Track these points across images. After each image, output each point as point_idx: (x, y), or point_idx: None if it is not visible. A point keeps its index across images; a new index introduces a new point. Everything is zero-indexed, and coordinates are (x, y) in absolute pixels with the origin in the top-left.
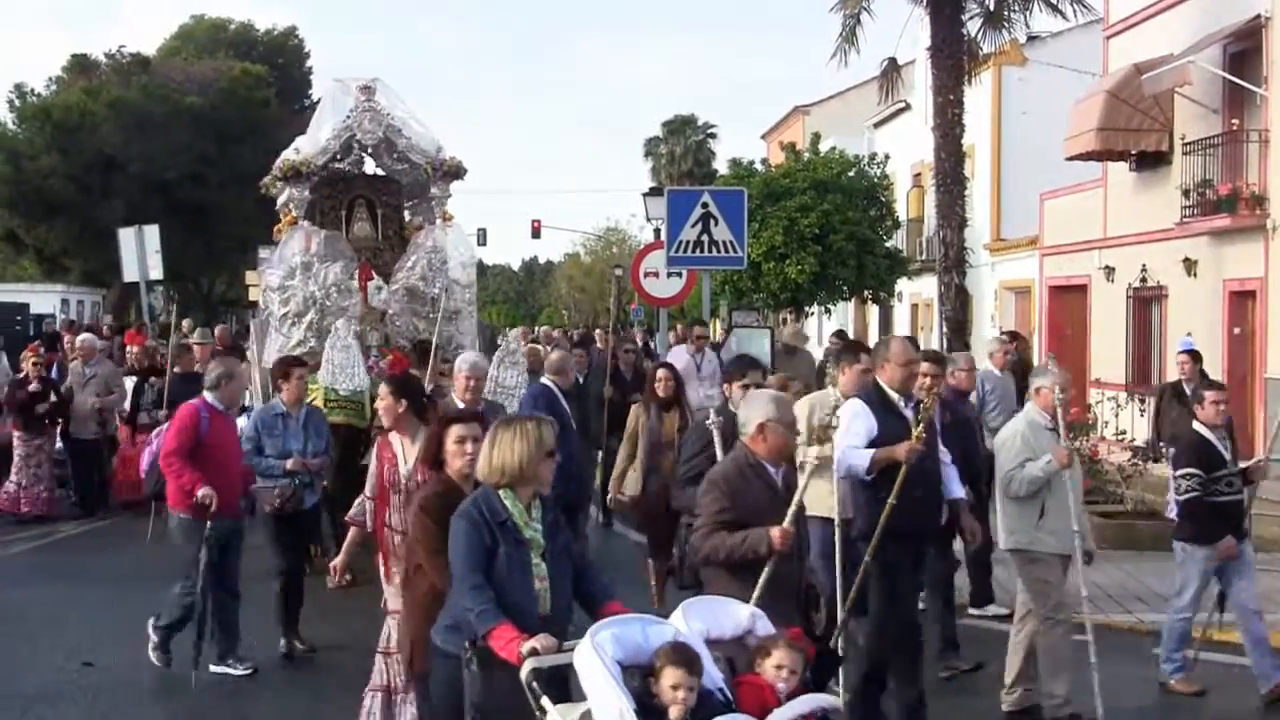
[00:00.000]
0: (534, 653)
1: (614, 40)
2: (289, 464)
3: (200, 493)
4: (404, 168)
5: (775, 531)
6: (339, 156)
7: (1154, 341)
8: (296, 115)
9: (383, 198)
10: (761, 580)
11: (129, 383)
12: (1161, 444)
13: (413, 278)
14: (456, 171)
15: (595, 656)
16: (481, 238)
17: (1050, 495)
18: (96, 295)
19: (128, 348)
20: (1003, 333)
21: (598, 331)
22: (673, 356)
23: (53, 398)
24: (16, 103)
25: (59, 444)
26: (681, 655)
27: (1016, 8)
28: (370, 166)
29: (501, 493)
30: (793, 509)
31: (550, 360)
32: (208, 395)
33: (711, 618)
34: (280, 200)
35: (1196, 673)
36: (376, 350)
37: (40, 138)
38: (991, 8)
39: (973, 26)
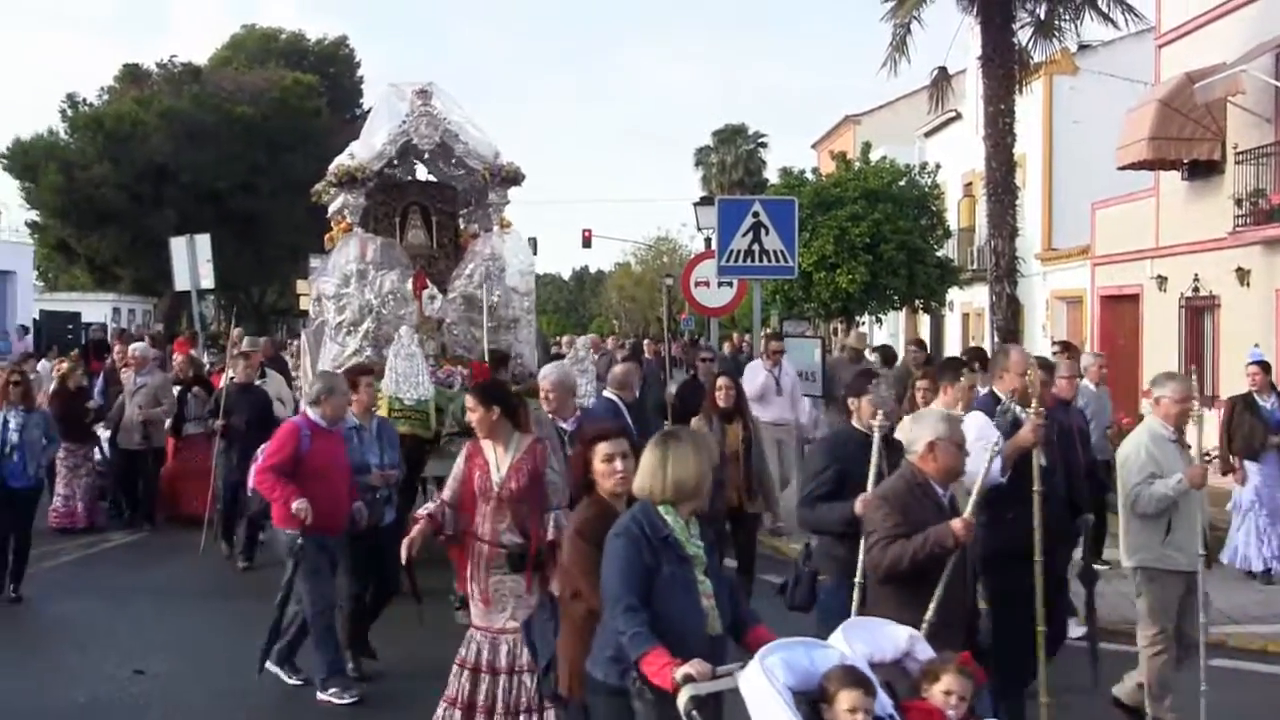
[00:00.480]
0: (689, 679)
1: (664, 49)
2: (372, 478)
3: (295, 505)
4: (461, 173)
5: (957, 524)
6: (394, 162)
7: (1206, 351)
8: (347, 124)
9: (437, 204)
10: (937, 596)
11: (176, 389)
12: (1233, 457)
13: (470, 286)
14: (514, 177)
15: (767, 682)
16: (533, 247)
17: (1176, 511)
18: (148, 304)
19: (174, 356)
20: (1055, 343)
21: (646, 341)
22: (749, 372)
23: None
24: (69, 112)
25: (98, 455)
26: (856, 677)
27: (1068, 17)
28: (422, 173)
29: (661, 508)
30: (970, 510)
31: (613, 373)
32: (309, 411)
33: (872, 640)
34: (333, 207)
35: None
36: (434, 360)
37: (92, 147)
38: (1042, 17)
39: (1024, 35)
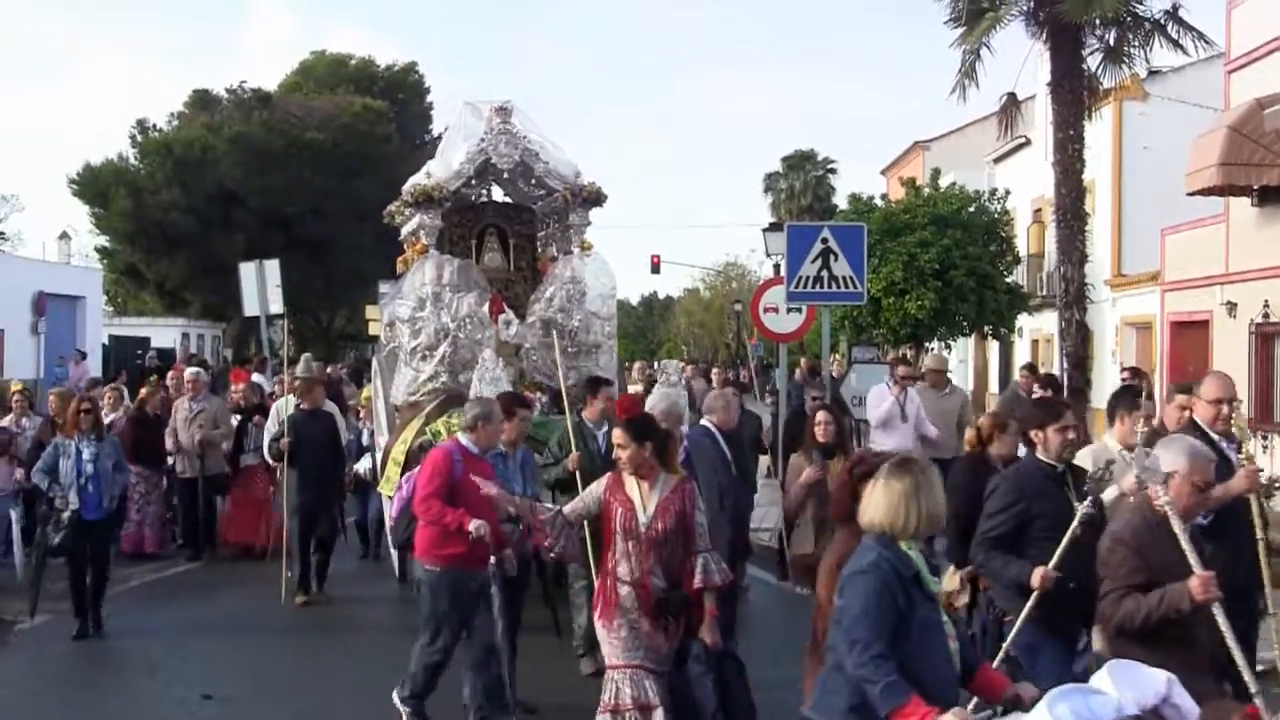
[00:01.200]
0: None
1: (733, 75)
2: (515, 507)
3: (473, 525)
4: (540, 194)
5: (1194, 582)
6: (472, 181)
7: (1276, 377)
8: (416, 150)
9: (515, 226)
10: (1194, 644)
11: (235, 418)
12: None
13: (550, 310)
14: (596, 198)
15: None
16: None
17: None
18: (216, 329)
19: (232, 386)
20: (1123, 369)
21: (715, 370)
22: (873, 397)
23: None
24: (139, 138)
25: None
26: None
27: (1137, 43)
28: (497, 193)
29: (903, 544)
30: (1193, 558)
31: (709, 400)
32: (461, 437)
33: (1137, 684)
34: (407, 229)
35: None
36: (513, 386)
37: (161, 173)
38: (1112, 43)
39: (1093, 62)
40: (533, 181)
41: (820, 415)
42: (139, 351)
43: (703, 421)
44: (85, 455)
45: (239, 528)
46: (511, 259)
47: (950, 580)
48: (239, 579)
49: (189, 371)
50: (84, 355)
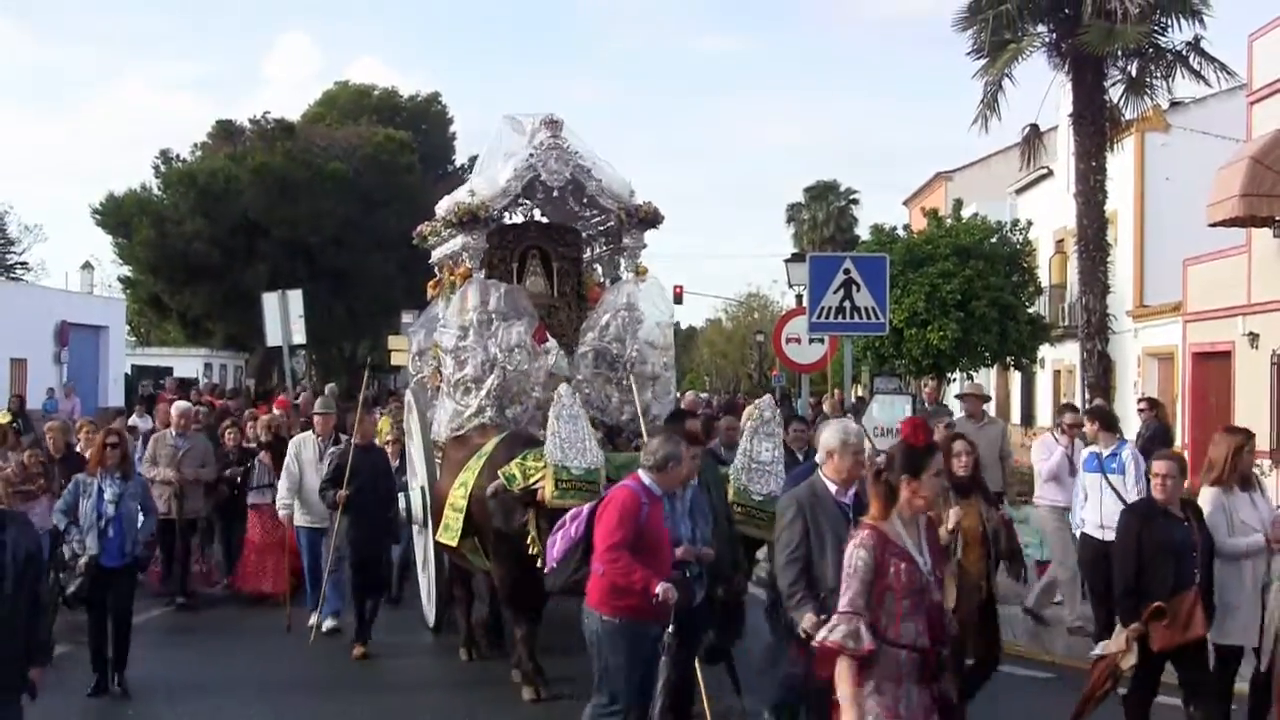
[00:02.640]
0: None
1: (755, 105)
2: (679, 552)
3: (660, 588)
4: (592, 214)
5: None
6: (520, 199)
7: None
8: (440, 181)
9: (558, 249)
10: None
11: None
12: None
13: (606, 338)
14: (653, 219)
15: None
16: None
17: None
18: (239, 359)
19: (259, 414)
20: (1141, 399)
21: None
22: (1040, 449)
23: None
24: (162, 168)
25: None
26: None
27: (1159, 74)
28: (536, 213)
29: None
30: None
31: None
32: (644, 477)
33: None
34: (440, 252)
35: None
36: None
37: (185, 203)
38: (1134, 74)
39: (1115, 93)
40: (584, 200)
41: (958, 445)
42: (160, 381)
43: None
44: (107, 495)
45: (247, 574)
46: (555, 284)
47: (1117, 640)
48: (248, 628)
49: (178, 406)
50: (73, 386)
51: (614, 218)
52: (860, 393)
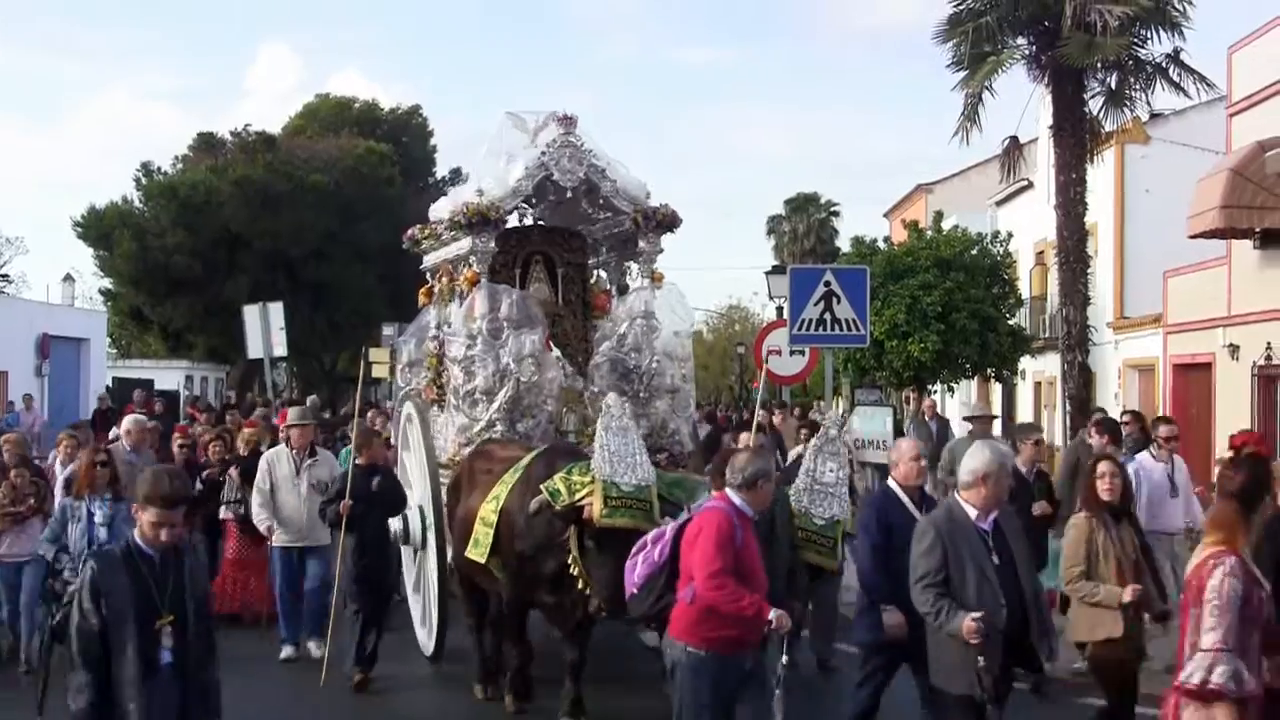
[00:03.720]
0: None
1: (738, 116)
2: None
3: (773, 615)
4: (602, 216)
5: None
6: (531, 200)
7: (1279, 420)
8: (420, 193)
9: (563, 255)
10: None
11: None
12: None
13: (624, 347)
14: (670, 222)
15: None
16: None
17: None
18: (220, 371)
19: (244, 430)
20: (1124, 412)
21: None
22: (1139, 466)
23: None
24: (143, 181)
25: None
26: None
27: (1139, 86)
28: (526, 214)
29: None
30: None
31: (900, 450)
32: (733, 496)
33: None
34: (438, 257)
35: None
36: (576, 438)
37: (166, 215)
38: (1114, 86)
39: (1095, 105)
40: (599, 203)
41: (1104, 467)
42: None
43: (889, 481)
44: (98, 519)
45: (225, 595)
46: (560, 291)
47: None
48: (231, 656)
49: (129, 420)
50: (31, 400)
51: (629, 221)
52: (842, 405)
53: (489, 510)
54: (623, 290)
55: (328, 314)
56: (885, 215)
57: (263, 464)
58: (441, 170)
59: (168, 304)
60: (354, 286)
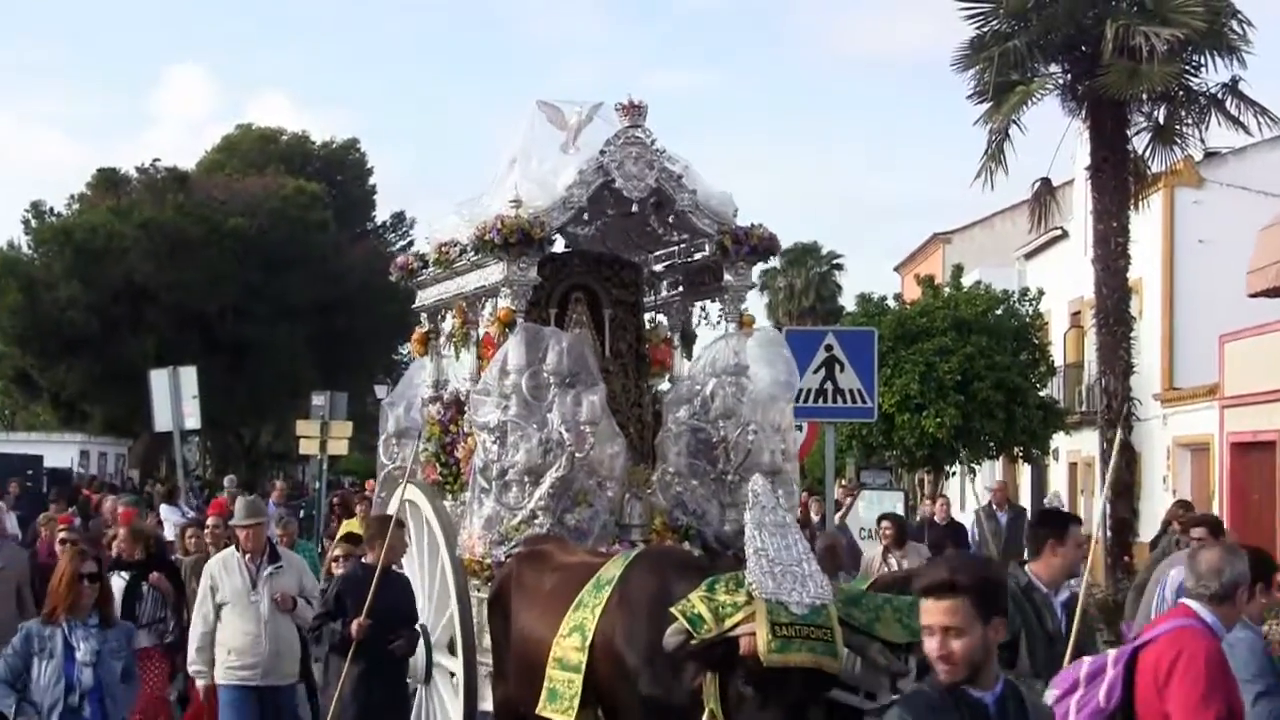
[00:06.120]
0: None
1: (720, 152)
2: None
3: None
4: (681, 239)
5: None
6: (585, 216)
7: None
8: (358, 240)
9: (612, 291)
10: None
11: (117, 582)
12: None
13: (709, 415)
14: (770, 247)
15: None
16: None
17: None
18: (121, 446)
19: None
20: (1177, 503)
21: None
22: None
23: None
24: (33, 223)
25: None
26: None
27: (1190, 120)
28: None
29: None
30: None
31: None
32: (1203, 611)
33: None
34: (444, 291)
35: None
36: (641, 534)
37: (59, 263)
38: (1161, 121)
39: (1139, 142)
40: (672, 220)
41: None
42: (29, 472)
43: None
44: (80, 654)
45: None
46: (607, 339)
47: None
48: None
49: None
50: None
51: (712, 245)
52: (841, 491)
53: (570, 648)
54: (688, 339)
55: (248, 381)
56: (896, 269)
57: (206, 576)
58: (382, 214)
59: (60, 367)
60: (279, 349)
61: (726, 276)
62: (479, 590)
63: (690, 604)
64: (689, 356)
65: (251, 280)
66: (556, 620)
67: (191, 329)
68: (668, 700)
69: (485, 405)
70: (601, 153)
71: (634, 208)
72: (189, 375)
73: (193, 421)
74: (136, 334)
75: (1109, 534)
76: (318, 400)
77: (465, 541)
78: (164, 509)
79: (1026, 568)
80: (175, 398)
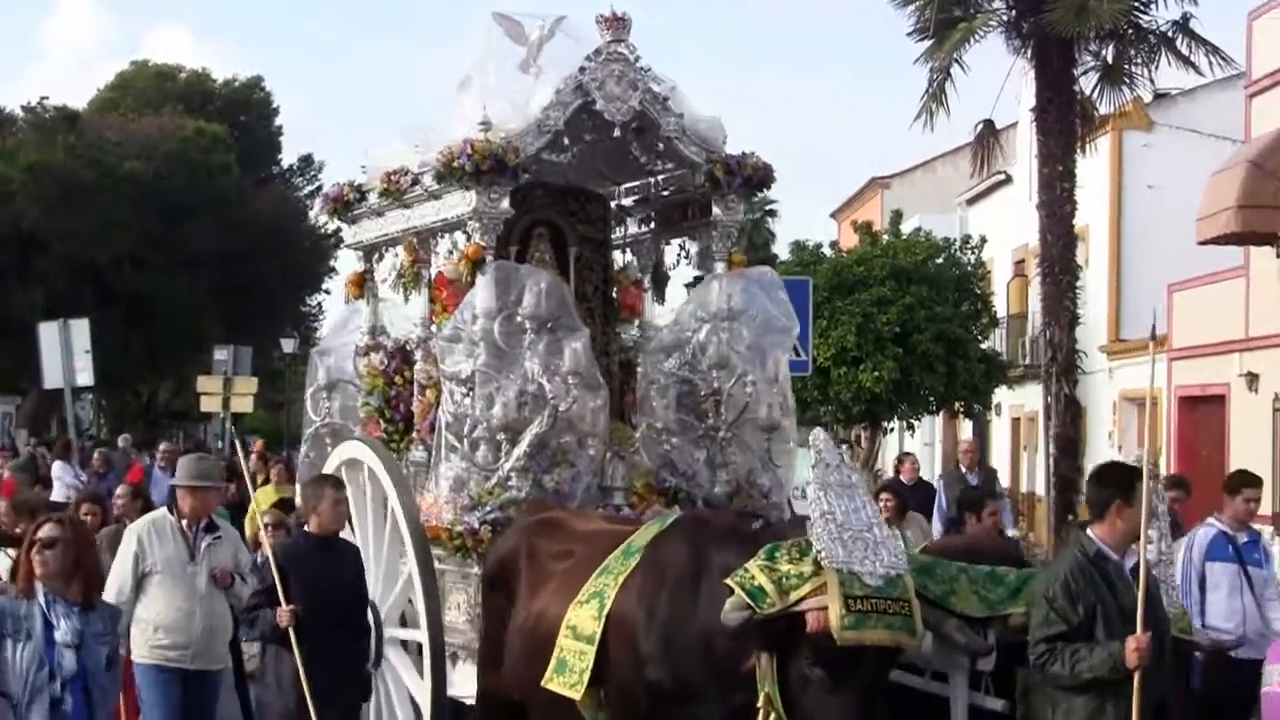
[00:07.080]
0: None
1: None
2: None
3: None
4: (667, 167)
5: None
6: (565, 140)
7: None
8: (262, 184)
9: (577, 227)
10: None
11: (3, 560)
12: None
13: (700, 366)
14: (763, 177)
15: None
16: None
17: None
18: (8, 404)
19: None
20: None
21: None
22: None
23: None
24: None
25: None
26: None
27: (1140, 60)
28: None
29: None
30: None
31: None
32: None
33: None
34: (387, 228)
35: None
36: (624, 498)
37: None
38: (1110, 60)
39: (1087, 83)
40: (655, 147)
41: None
42: None
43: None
44: (60, 634)
45: None
46: (573, 280)
47: None
48: None
49: None
50: None
51: (701, 175)
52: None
53: (586, 616)
54: (659, 281)
55: (145, 334)
56: (832, 215)
57: (130, 539)
58: (289, 157)
59: None
60: (179, 301)
61: (715, 211)
62: (442, 561)
63: (749, 574)
64: (660, 300)
65: (149, 228)
66: (575, 592)
67: (84, 280)
68: (678, 690)
69: (454, 353)
70: (581, 70)
71: (615, 132)
72: (81, 328)
73: (85, 377)
74: (24, 285)
75: (1052, 492)
76: (220, 355)
77: (428, 507)
78: (56, 466)
79: (1090, 532)
80: (66, 352)
